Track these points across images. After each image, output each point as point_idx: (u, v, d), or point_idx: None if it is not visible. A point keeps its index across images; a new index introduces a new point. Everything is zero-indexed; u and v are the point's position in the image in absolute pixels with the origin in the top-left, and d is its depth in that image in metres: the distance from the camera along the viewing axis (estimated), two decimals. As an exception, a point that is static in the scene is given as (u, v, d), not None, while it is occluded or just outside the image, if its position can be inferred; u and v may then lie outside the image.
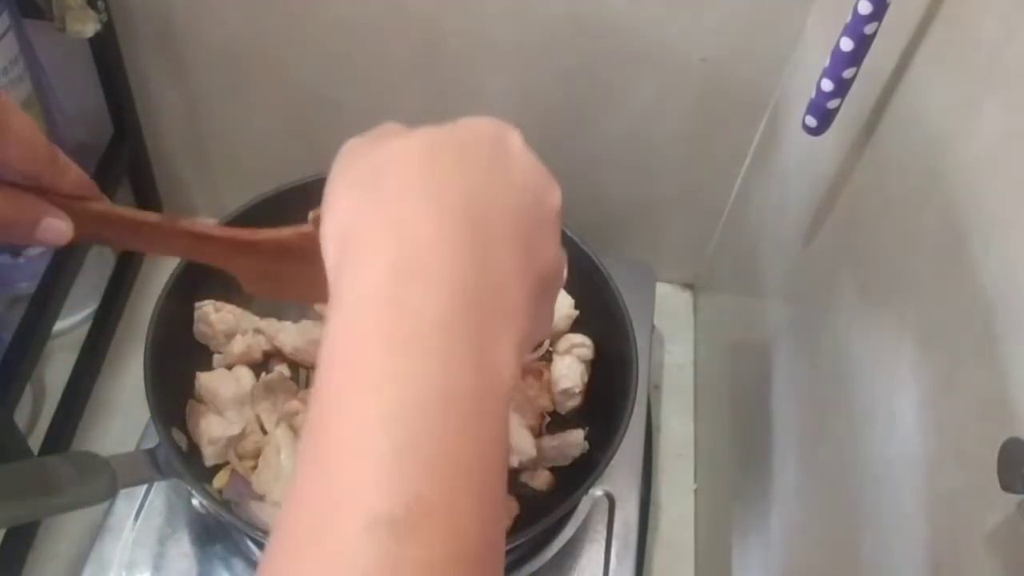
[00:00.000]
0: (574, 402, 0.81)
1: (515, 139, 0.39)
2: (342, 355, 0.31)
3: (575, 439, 0.78)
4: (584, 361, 0.82)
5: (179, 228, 0.59)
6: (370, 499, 0.28)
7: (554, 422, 0.81)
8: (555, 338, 0.84)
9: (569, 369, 0.81)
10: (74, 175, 0.50)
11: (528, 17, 0.88)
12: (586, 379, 0.81)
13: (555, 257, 0.38)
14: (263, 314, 0.82)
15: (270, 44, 0.95)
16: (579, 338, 0.83)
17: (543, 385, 0.81)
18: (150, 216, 0.57)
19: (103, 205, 0.53)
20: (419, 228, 0.33)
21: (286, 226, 0.63)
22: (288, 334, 0.81)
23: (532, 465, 0.78)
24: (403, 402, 0.29)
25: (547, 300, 0.37)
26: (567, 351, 0.82)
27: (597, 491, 0.82)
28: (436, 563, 0.27)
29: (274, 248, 0.65)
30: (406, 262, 0.32)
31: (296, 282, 0.65)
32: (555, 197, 0.39)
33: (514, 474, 0.78)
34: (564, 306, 0.84)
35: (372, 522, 0.27)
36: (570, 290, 0.85)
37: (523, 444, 0.76)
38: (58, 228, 0.49)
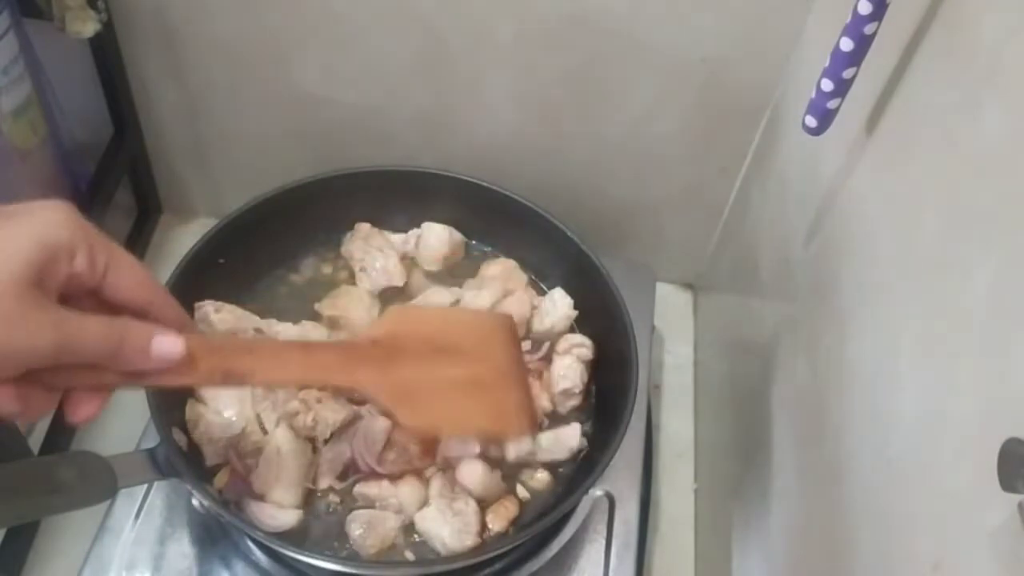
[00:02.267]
0: (574, 402, 0.81)
1: None
2: None
3: (572, 431, 0.78)
4: (584, 361, 0.82)
5: (291, 346, 0.61)
6: None
7: (554, 422, 0.81)
8: (555, 338, 0.84)
9: (568, 369, 0.81)
10: (178, 307, 0.52)
11: (528, 17, 0.88)
12: (585, 379, 0.81)
13: None
14: (263, 314, 0.83)
15: (270, 44, 0.95)
16: (579, 338, 0.83)
17: (543, 385, 0.82)
18: (256, 340, 0.60)
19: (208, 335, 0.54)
20: None
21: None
22: (288, 334, 0.81)
23: (531, 460, 0.78)
24: None
25: None
26: (567, 351, 0.82)
27: (597, 491, 0.82)
28: None
29: (384, 344, 0.65)
30: None
31: (449, 397, 0.67)
32: None
33: (514, 473, 0.78)
34: (563, 307, 0.84)
35: None
36: (571, 290, 0.85)
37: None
38: (172, 342, 0.49)
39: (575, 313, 0.85)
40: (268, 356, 0.58)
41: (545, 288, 0.89)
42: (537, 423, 0.78)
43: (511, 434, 0.75)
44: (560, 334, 0.85)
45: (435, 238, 0.89)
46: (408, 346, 0.67)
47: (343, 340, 0.73)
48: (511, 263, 0.90)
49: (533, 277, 0.90)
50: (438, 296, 0.86)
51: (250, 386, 0.66)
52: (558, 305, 0.85)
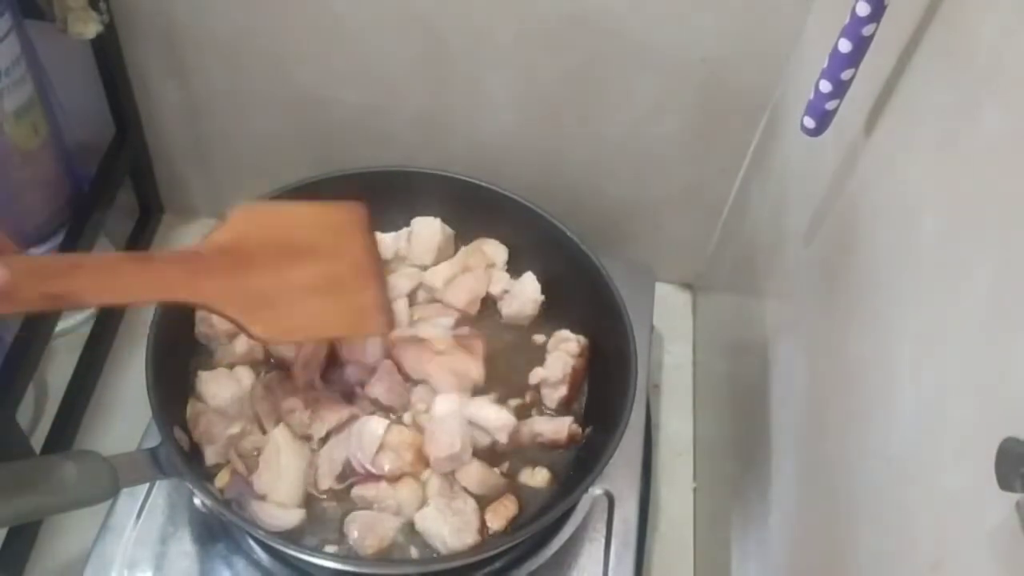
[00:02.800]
0: (559, 393, 0.82)
1: None
2: None
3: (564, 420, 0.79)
4: (571, 355, 0.83)
5: (125, 259, 0.56)
6: None
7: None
8: (526, 321, 0.87)
9: (555, 361, 0.82)
10: None
11: (528, 17, 0.88)
12: (569, 370, 0.82)
13: None
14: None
15: (271, 45, 0.96)
16: (565, 333, 0.85)
17: (471, 357, 0.83)
18: (86, 256, 0.54)
19: (33, 256, 0.50)
20: None
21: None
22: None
23: (529, 443, 0.78)
24: None
25: None
26: (555, 347, 0.84)
27: (597, 490, 0.82)
28: None
29: (231, 250, 0.61)
30: None
31: (304, 302, 0.63)
32: None
33: (513, 473, 0.78)
34: (531, 291, 0.87)
35: None
36: (571, 290, 0.86)
37: (498, 418, 0.77)
38: None
39: (541, 298, 0.87)
40: (98, 272, 0.53)
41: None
42: (394, 320, 0.76)
43: (369, 333, 0.73)
44: (529, 317, 0.87)
45: (427, 229, 0.90)
46: (258, 251, 0.63)
47: (186, 249, 0.66)
48: (488, 242, 0.91)
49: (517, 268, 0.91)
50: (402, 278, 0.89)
51: (84, 307, 0.60)
52: (527, 289, 0.87)
